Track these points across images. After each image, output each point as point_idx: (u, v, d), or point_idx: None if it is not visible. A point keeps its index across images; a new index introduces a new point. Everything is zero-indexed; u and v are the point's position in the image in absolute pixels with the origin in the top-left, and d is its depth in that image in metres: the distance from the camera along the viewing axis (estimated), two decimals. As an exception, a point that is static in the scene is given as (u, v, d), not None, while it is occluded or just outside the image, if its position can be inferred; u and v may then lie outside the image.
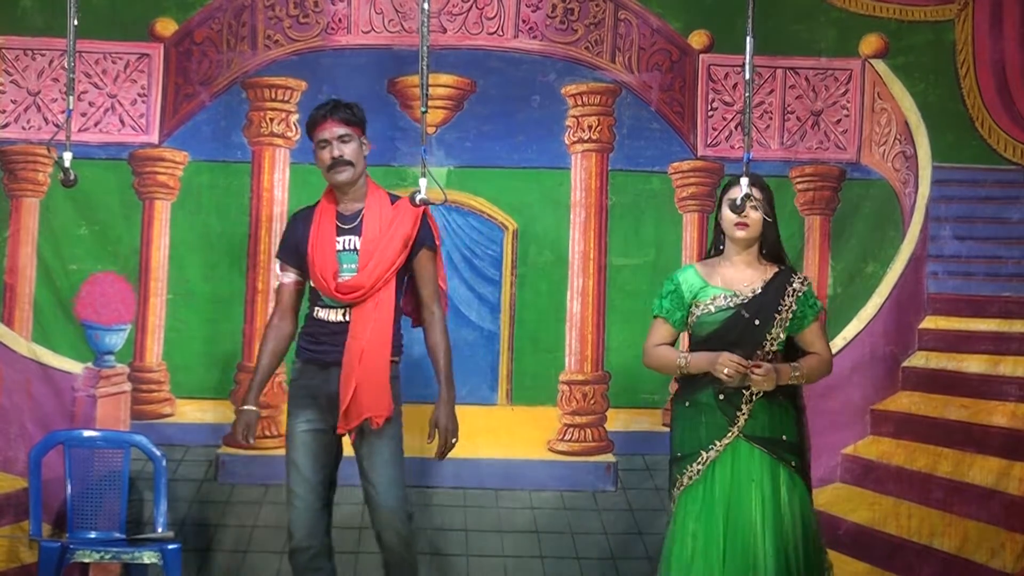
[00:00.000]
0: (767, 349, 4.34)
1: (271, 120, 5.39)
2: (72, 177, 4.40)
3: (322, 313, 4.56)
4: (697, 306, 4.39)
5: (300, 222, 4.64)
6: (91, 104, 5.39)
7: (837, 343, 5.43)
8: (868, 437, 5.48)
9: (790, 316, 4.36)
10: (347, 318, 4.51)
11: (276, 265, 4.72)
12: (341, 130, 4.52)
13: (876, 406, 5.45)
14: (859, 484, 5.43)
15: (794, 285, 4.39)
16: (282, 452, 5.32)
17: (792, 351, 4.43)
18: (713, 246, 4.52)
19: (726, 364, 4.22)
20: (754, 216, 4.37)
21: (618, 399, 5.46)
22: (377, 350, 4.46)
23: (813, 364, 4.39)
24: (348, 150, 4.52)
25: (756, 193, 4.40)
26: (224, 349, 5.41)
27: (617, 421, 5.46)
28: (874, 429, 5.48)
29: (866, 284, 5.52)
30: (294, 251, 4.61)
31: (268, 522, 5.31)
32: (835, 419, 5.40)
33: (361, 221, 4.54)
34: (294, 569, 4.61)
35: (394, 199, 4.62)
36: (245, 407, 4.65)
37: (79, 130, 5.30)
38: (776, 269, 4.42)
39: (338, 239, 4.55)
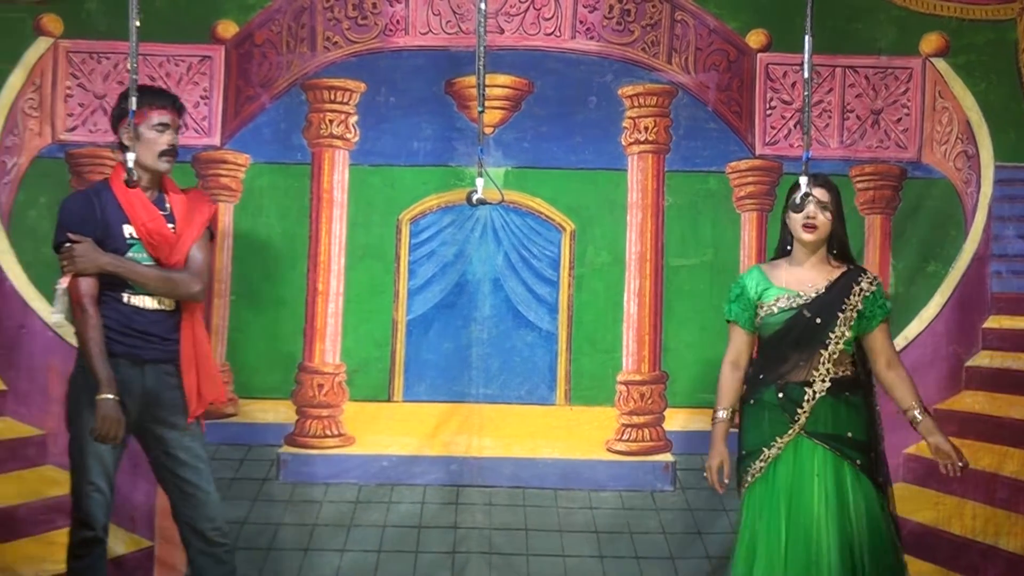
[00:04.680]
0: (831, 349, 4.33)
1: (330, 122, 5.42)
2: (135, 178, 4.47)
3: (136, 300, 4.46)
4: (761, 307, 4.43)
5: (97, 205, 4.50)
6: (155, 106, 5.46)
7: (899, 343, 5.37)
8: (931, 437, 5.42)
9: (855, 315, 4.35)
10: (162, 305, 4.47)
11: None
12: (179, 121, 4.66)
13: (939, 406, 5.38)
14: (922, 484, 5.37)
15: (862, 284, 4.39)
16: (344, 451, 5.40)
17: (857, 352, 4.42)
18: (780, 247, 4.52)
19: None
20: (822, 218, 4.40)
21: (676, 399, 5.44)
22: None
23: (912, 390, 4.44)
24: (176, 141, 4.63)
25: (822, 194, 4.40)
26: (285, 349, 5.44)
27: (675, 421, 5.44)
28: (937, 429, 5.42)
29: (928, 284, 5.47)
30: (98, 232, 4.46)
31: (328, 520, 5.34)
32: (897, 419, 5.32)
33: (171, 211, 4.59)
34: (83, 561, 4.44)
35: (182, 188, 4.75)
36: (104, 396, 4.36)
37: (143, 132, 5.37)
38: (844, 269, 4.42)
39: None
